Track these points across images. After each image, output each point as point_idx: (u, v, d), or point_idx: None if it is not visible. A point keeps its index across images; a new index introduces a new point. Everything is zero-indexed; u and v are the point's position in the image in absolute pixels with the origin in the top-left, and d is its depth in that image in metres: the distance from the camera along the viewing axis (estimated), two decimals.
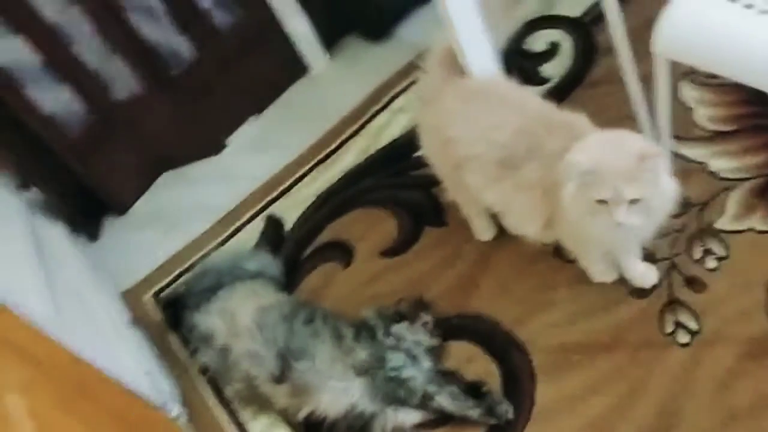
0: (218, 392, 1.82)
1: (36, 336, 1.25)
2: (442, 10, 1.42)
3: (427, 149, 1.68)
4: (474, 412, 1.55)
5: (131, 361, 1.75)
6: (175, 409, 1.70)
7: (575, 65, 2.09)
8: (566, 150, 1.35)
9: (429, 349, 1.64)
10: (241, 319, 1.74)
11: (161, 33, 2.19)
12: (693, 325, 1.54)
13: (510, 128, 1.42)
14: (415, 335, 1.66)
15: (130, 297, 2.13)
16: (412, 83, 2.27)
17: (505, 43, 2.15)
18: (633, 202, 1.26)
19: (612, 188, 1.25)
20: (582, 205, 1.30)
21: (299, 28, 2.40)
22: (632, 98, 1.75)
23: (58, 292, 1.69)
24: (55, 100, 2.17)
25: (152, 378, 1.73)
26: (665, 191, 1.31)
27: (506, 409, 1.54)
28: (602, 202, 1.28)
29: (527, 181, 1.42)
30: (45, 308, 1.57)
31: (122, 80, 2.23)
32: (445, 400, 1.57)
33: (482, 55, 1.51)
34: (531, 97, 1.50)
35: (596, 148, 1.31)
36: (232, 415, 1.77)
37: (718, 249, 1.62)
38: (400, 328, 1.67)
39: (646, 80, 1.70)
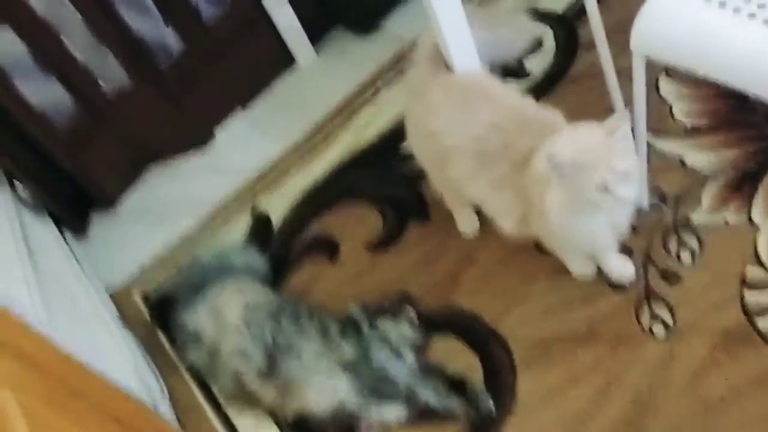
0: (207, 390, 1.84)
1: (27, 334, 1.28)
2: (427, 6, 1.45)
3: (412, 141, 1.71)
4: (457, 407, 1.59)
5: (121, 360, 1.78)
6: (164, 408, 1.74)
7: (558, 60, 2.11)
8: (536, 150, 1.38)
9: (413, 345, 1.67)
10: (228, 317, 1.77)
11: (149, 25, 2.21)
12: (668, 318, 1.58)
13: (485, 122, 1.45)
14: (399, 329, 1.70)
15: (119, 294, 2.15)
16: (399, 77, 2.30)
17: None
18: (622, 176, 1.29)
19: (604, 168, 1.27)
20: (576, 204, 1.33)
21: (286, 20, 2.41)
22: (610, 93, 1.77)
23: (47, 289, 1.72)
24: (44, 93, 2.17)
25: (142, 377, 1.76)
26: (634, 158, 1.35)
27: (489, 405, 1.58)
28: (600, 187, 1.28)
29: (500, 179, 1.45)
30: (35, 306, 1.60)
31: (110, 73, 2.24)
32: (429, 395, 1.61)
33: (465, 51, 1.54)
34: (510, 93, 1.52)
35: (566, 142, 1.33)
36: (221, 412, 1.80)
37: (692, 243, 1.66)
38: (385, 323, 1.71)
39: (627, 75, 1.73)
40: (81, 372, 1.40)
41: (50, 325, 1.55)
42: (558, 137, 1.35)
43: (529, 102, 1.50)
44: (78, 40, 2.15)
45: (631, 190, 1.32)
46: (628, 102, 1.71)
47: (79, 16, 2.10)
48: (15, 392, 1.07)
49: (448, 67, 1.58)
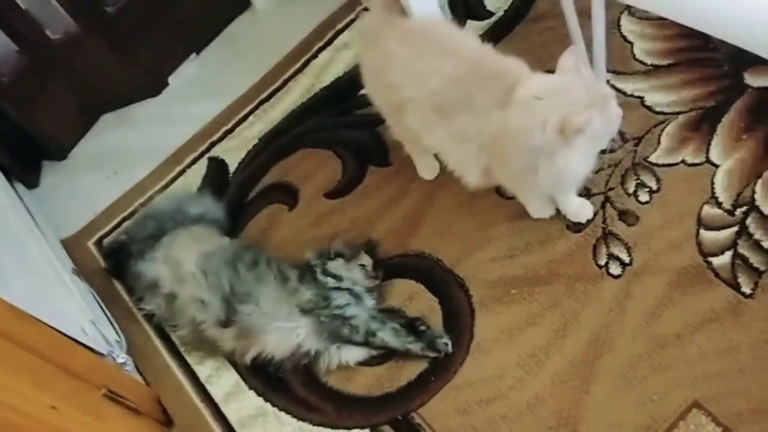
0: (165, 339, 1.82)
1: None
2: None
3: (369, 89, 1.67)
4: (415, 347, 1.60)
5: (76, 311, 1.74)
6: (121, 356, 1.71)
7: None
8: (498, 103, 1.35)
9: (369, 289, 1.66)
10: (185, 265, 1.74)
11: None
12: (625, 257, 1.58)
13: (443, 74, 1.41)
14: (351, 273, 1.69)
15: (72, 245, 2.10)
16: (356, 19, 2.24)
17: None
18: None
19: (612, 120, 1.33)
20: (585, 154, 1.37)
21: None
22: (571, 33, 1.74)
23: None
24: None
25: (98, 327, 1.72)
26: None
27: (446, 343, 1.59)
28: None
29: (462, 133, 1.42)
30: None
31: (56, 19, 2.14)
32: (388, 335, 1.61)
33: None
34: (467, 41, 1.48)
35: (558, 100, 1.32)
36: (180, 360, 1.79)
37: (651, 182, 1.66)
38: (336, 266, 1.69)
39: (589, 14, 1.70)
40: (32, 328, 1.36)
41: (1, 282, 1.51)
42: (547, 97, 1.33)
43: (488, 50, 1.46)
44: None
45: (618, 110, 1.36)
46: (589, 42, 1.69)
47: None
48: None
49: (403, 11, 1.53)
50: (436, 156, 1.77)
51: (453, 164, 1.53)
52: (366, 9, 1.60)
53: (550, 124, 1.30)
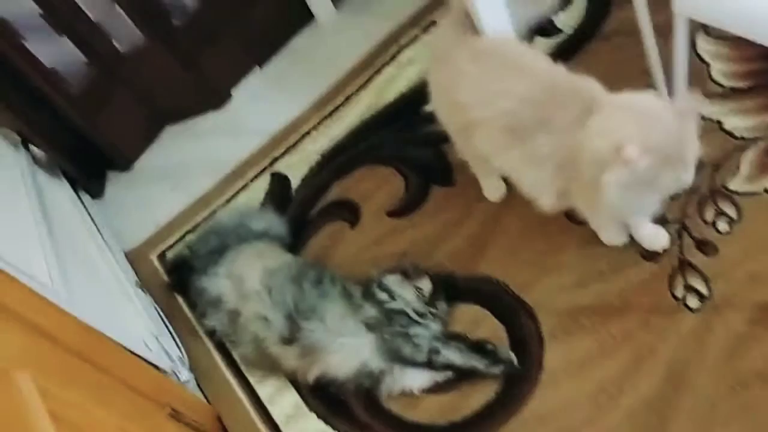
0: (227, 355, 1.82)
1: (42, 305, 1.23)
2: None
3: (437, 108, 1.64)
4: (480, 363, 1.56)
5: (139, 325, 1.75)
6: (185, 374, 1.72)
7: (589, 16, 2.02)
8: (579, 122, 1.31)
9: (420, 314, 1.63)
10: (249, 281, 1.74)
11: None
12: (703, 289, 1.52)
13: (517, 95, 1.37)
14: (404, 292, 1.65)
15: (136, 257, 2.12)
16: (421, 35, 2.22)
17: None
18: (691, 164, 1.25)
19: (680, 164, 1.23)
20: (638, 191, 1.28)
21: None
22: (648, 53, 1.69)
23: (63, 255, 1.68)
24: (57, 53, 2.12)
25: (161, 342, 1.73)
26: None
27: (510, 355, 1.55)
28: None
29: (537, 154, 1.37)
30: (51, 273, 1.56)
31: (124, 32, 2.17)
32: (452, 353, 1.58)
33: (496, 13, 1.45)
34: (541, 61, 1.43)
35: (633, 127, 1.25)
36: (241, 378, 1.78)
37: (730, 211, 1.59)
38: (392, 281, 1.67)
39: (661, 32, 1.65)
40: (99, 344, 1.37)
41: (67, 293, 1.52)
42: (623, 118, 1.28)
43: (561, 70, 1.41)
44: None
45: (693, 172, 1.26)
46: (665, 62, 1.63)
47: None
48: (33, 372, 1.04)
49: (475, 30, 1.50)
50: (503, 177, 1.74)
51: (526, 187, 1.49)
52: (436, 25, 1.56)
53: (604, 139, 1.26)
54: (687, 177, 1.28)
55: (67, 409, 1.06)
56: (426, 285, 1.66)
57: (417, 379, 1.62)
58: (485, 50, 1.45)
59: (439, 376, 1.61)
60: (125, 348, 1.49)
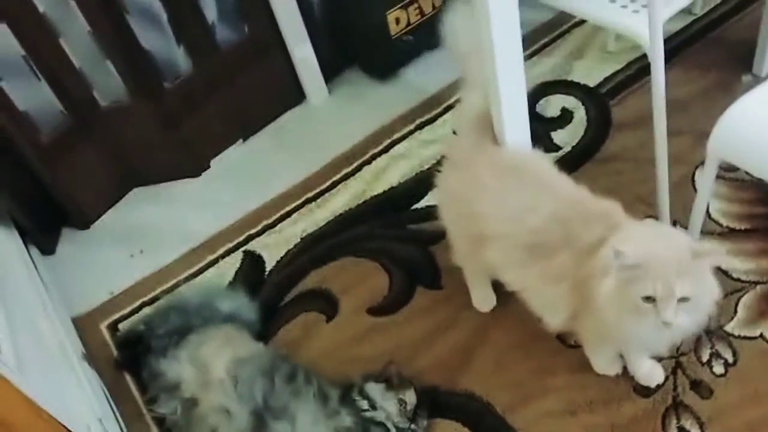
0: None
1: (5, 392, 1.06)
2: (489, 73, 1.32)
3: (446, 214, 1.57)
4: None
5: (84, 404, 1.56)
6: None
7: (587, 137, 2.03)
8: (603, 241, 1.26)
9: (400, 429, 1.51)
10: (214, 369, 1.59)
11: (159, 41, 2.02)
12: None
13: (544, 213, 1.33)
14: (386, 403, 1.54)
15: (84, 325, 1.93)
16: (416, 129, 2.18)
17: None
18: (682, 300, 1.17)
19: (662, 284, 1.16)
20: (623, 303, 1.21)
21: (302, 54, 2.28)
22: (658, 181, 1.68)
23: (14, 318, 1.51)
24: (33, 96, 1.98)
25: (104, 425, 1.54)
26: (712, 290, 1.22)
27: None
28: (648, 299, 1.18)
29: (556, 271, 1.32)
30: (6, 348, 1.38)
31: (108, 84, 2.05)
32: None
33: (519, 126, 1.42)
34: (564, 179, 1.41)
35: (642, 240, 1.22)
36: None
37: (726, 354, 1.56)
38: (375, 390, 1.55)
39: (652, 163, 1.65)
40: (49, 429, 1.19)
41: (15, 362, 1.35)
42: (631, 232, 1.24)
43: (584, 191, 1.39)
44: (78, 46, 1.96)
45: (685, 319, 1.20)
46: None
47: (84, 22, 1.92)
48: None
49: (494, 139, 1.47)
50: (494, 288, 1.67)
51: (537, 304, 1.42)
52: (455, 133, 1.52)
53: (610, 246, 1.21)
54: (666, 311, 1.19)
55: None
56: (411, 398, 1.54)
57: None
58: (509, 163, 1.41)
59: None
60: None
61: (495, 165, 1.42)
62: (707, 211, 1.78)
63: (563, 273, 1.32)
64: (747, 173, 1.57)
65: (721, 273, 1.66)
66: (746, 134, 1.33)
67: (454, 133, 1.53)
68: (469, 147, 1.47)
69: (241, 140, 2.32)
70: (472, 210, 1.42)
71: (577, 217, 1.31)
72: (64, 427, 1.30)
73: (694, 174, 1.86)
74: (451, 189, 1.52)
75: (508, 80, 1.32)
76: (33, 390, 1.23)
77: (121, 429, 1.65)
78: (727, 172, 1.83)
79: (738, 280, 1.65)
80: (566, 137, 2.04)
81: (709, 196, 1.44)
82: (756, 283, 1.64)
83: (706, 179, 1.39)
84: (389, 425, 1.52)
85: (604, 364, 1.56)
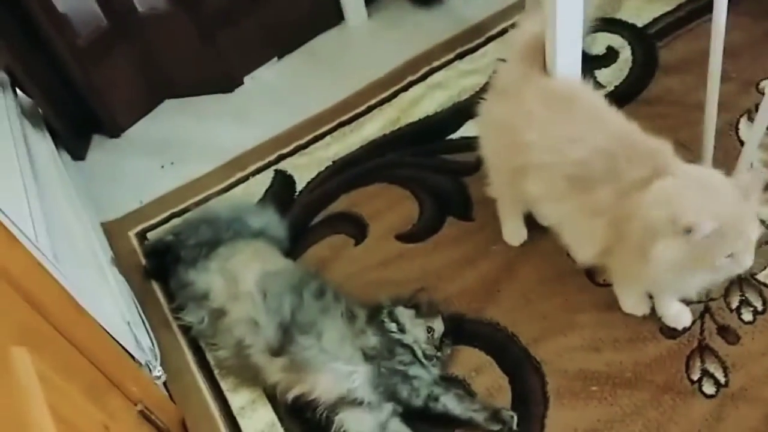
0: (200, 357, 1.67)
1: (39, 275, 1.07)
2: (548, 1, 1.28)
3: (487, 142, 1.55)
4: (478, 416, 1.47)
5: (113, 307, 1.58)
6: (157, 369, 1.56)
7: (632, 77, 1.98)
8: (647, 182, 1.25)
9: (426, 355, 1.53)
10: (243, 281, 1.60)
11: None
12: (721, 376, 1.47)
13: (590, 145, 1.30)
14: (415, 329, 1.55)
15: (113, 231, 1.95)
16: (456, 59, 2.14)
17: None
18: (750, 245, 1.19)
19: (742, 238, 1.16)
20: (696, 263, 1.21)
21: None
22: (705, 126, 1.64)
23: (51, 215, 1.51)
24: None
25: (133, 330, 1.57)
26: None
27: (512, 416, 1.46)
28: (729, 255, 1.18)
29: (596, 206, 1.30)
30: (36, 229, 1.39)
31: None
32: (451, 401, 1.48)
33: (572, 57, 1.39)
34: (614, 113, 1.38)
35: (694, 197, 1.20)
36: (213, 383, 1.63)
37: (756, 302, 1.55)
38: (404, 314, 1.56)
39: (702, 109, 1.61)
40: (89, 328, 1.20)
41: (53, 254, 1.36)
42: (685, 190, 1.22)
43: (635, 127, 1.36)
44: None
45: (752, 256, 1.20)
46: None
47: None
48: (29, 349, 0.89)
49: (543, 68, 1.43)
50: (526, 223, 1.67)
51: (571, 237, 1.42)
52: (503, 60, 1.48)
53: (666, 210, 1.20)
54: (746, 259, 1.23)
55: (62, 399, 0.91)
56: (438, 326, 1.56)
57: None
58: (559, 93, 1.38)
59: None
60: (110, 335, 1.33)
61: (544, 93, 1.39)
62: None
63: (602, 208, 1.31)
64: None
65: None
66: None
67: (502, 61, 1.49)
68: (518, 75, 1.44)
69: (276, 58, 2.29)
70: (515, 139, 1.40)
71: (624, 153, 1.29)
72: (103, 327, 1.32)
73: (738, 122, 1.82)
74: (495, 117, 1.49)
75: (566, 5, 1.28)
76: (69, 283, 1.24)
77: (149, 334, 1.68)
78: None
79: None
80: (610, 76, 1.99)
81: (761, 135, 1.41)
82: None
83: (762, 114, 1.36)
84: (416, 348, 1.53)
85: (633, 303, 1.56)
